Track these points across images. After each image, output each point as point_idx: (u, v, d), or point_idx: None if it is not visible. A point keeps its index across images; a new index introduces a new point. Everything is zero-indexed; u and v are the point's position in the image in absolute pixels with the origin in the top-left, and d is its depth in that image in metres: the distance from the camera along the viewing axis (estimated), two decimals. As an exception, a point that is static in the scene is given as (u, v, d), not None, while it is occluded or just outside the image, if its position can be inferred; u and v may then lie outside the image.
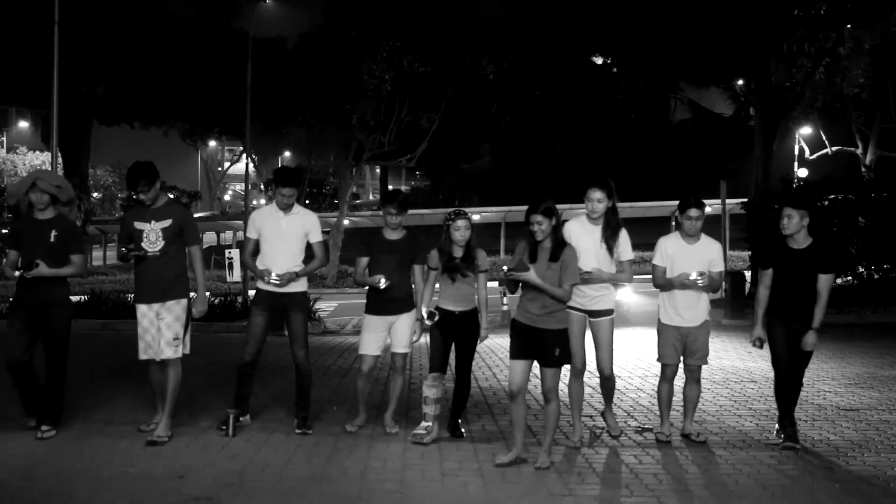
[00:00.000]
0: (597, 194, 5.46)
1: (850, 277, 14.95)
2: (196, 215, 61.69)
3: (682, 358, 5.86)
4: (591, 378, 7.14)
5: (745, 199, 17.82)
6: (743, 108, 37.79)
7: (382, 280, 5.75)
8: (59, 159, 24.80)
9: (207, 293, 14.21)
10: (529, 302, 5.08)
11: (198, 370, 8.82)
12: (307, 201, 42.94)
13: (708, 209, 6.06)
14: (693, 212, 5.65)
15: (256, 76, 22.06)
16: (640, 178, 43.60)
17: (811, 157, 33.97)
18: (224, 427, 5.81)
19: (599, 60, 50.53)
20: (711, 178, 20.70)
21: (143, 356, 5.69)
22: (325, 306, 16.27)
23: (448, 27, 26.77)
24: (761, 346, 5.72)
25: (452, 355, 5.91)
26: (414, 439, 5.63)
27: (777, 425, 5.76)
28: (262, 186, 62.76)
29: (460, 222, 5.70)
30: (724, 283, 6.20)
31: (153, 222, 5.60)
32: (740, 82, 27.45)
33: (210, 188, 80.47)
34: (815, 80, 20.75)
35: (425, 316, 5.89)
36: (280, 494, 4.52)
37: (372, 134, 28.72)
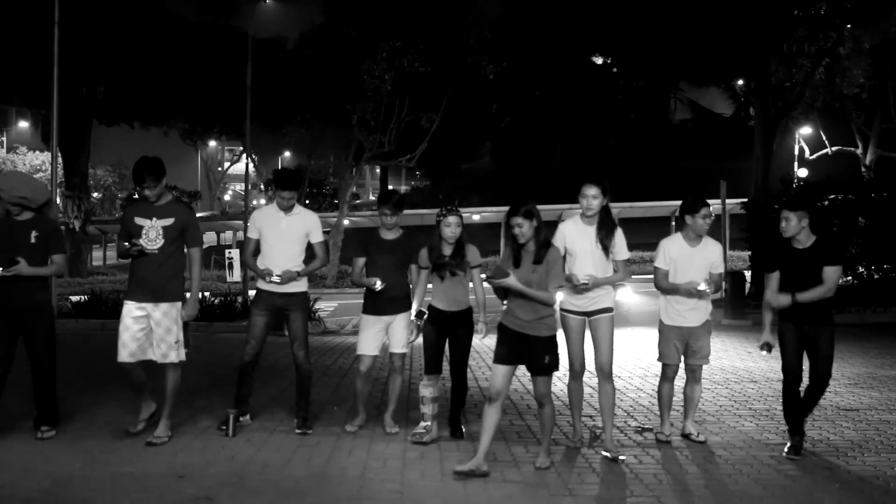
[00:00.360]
0: (591, 190, 5.35)
1: (850, 277, 14.95)
2: (196, 215, 61.81)
3: (682, 357, 5.86)
4: (591, 378, 7.13)
5: (745, 199, 17.81)
6: (743, 108, 37.78)
7: (378, 282, 5.74)
8: (59, 159, 24.80)
9: (208, 293, 14.14)
10: (518, 308, 4.96)
11: (198, 370, 8.82)
12: (307, 201, 42.93)
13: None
14: (705, 210, 5.66)
15: (256, 76, 22.03)
16: (640, 178, 43.59)
17: (811, 157, 33.97)
18: (224, 427, 5.81)
19: (599, 60, 50.52)
20: (711, 178, 20.69)
21: (119, 357, 5.49)
22: (325, 306, 16.27)
23: (448, 27, 26.76)
24: (769, 352, 5.55)
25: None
26: (414, 439, 5.62)
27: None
28: (262, 186, 62.76)
29: (451, 218, 5.65)
30: (724, 283, 6.14)
31: (154, 219, 5.48)
32: (740, 82, 27.43)
33: (210, 188, 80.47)
34: (815, 80, 20.74)
35: (413, 315, 5.86)
36: (280, 494, 4.52)
37: (372, 134, 28.72)
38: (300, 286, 5.93)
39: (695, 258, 5.66)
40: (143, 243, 5.44)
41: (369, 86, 26.10)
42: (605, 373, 5.46)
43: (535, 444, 5.66)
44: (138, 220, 5.50)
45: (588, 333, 5.55)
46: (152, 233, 5.47)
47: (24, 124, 52.48)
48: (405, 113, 28.34)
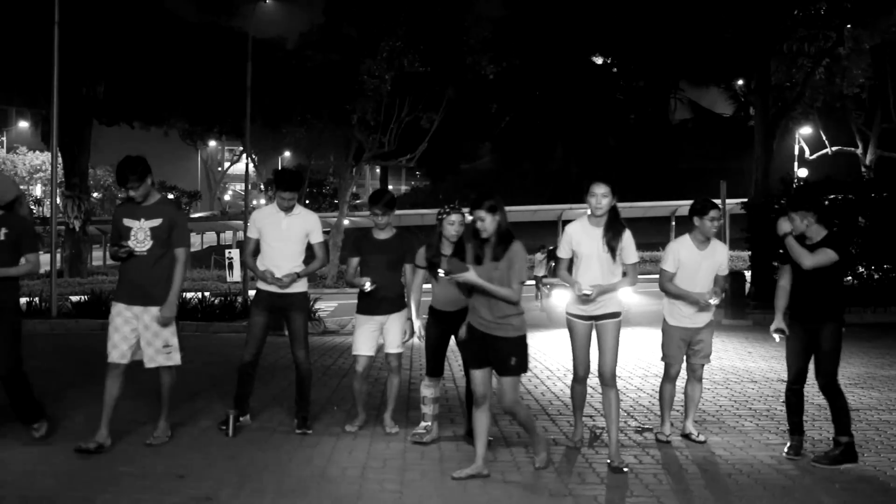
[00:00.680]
0: (601, 189, 5.16)
1: (850, 277, 14.96)
2: (196, 215, 61.77)
3: (685, 357, 5.85)
4: (593, 378, 7.10)
5: (745, 199, 17.83)
6: (743, 108, 37.78)
7: (367, 284, 5.70)
8: (59, 159, 24.80)
9: (208, 293, 14.13)
10: (480, 306, 4.79)
11: (198, 370, 8.83)
12: (307, 201, 42.95)
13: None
14: (714, 213, 5.65)
15: (256, 76, 22.04)
16: (640, 178, 43.58)
17: (811, 157, 33.97)
18: (224, 427, 5.81)
19: (599, 60, 50.55)
20: (711, 178, 20.70)
21: (109, 357, 5.35)
22: (325, 306, 16.28)
23: (448, 27, 26.77)
24: (784, 334, 5.50)
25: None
26: (413, 439, 5.61)
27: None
28: (262, 186, 62.78)
29: (454, 217, 5.55)
30: (726, 284, 6.09)
31: (142, 220, 5.34)
32: (740, 82, 27.44)
33: (210, 188, 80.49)
34: (815, 80, 20.76)
35: (363, 283, 5.69)
36: (280, 494, 4.52)
37: (372, 134, 28.72)
38: (300, 286, 5.93)
39: (703, 261, 5.66)
40: (131, 245, 5.31)
41: (369, 86, 26.10)
42: (608, 379, 5.28)
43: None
44: (126, 222, 5.38)
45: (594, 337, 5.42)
46: (140, 234, 5.33)
47: (24, 124, 52.50)
48: (405, 113, 28.34)
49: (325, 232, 7.53)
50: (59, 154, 24.39)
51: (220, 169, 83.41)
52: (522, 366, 4.85)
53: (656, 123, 50.98)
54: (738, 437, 5.93)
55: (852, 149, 31.55)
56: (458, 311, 5.54)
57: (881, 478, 4.97)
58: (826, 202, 14.95)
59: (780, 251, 5.59)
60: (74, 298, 14.68)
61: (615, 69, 49.93)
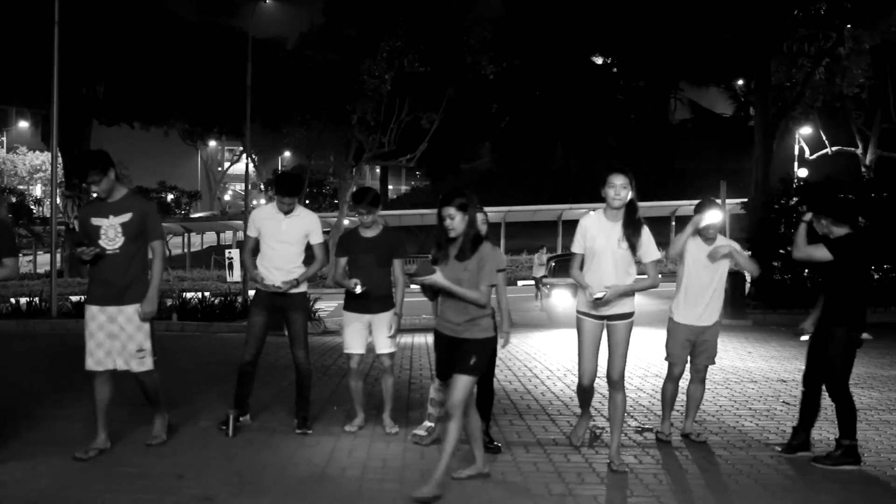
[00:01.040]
0: (619, 180, 4.90)
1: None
2: (196, 215, 61.83)
3: (688, 358, 5.82)
4: (600, 381, 7.10)
5: (745, 199, 17.84)
6: (743, 108, 37.86)
7: (358, 287, 5.64)
8: (59, 159, 24.81)
9: (208, 293, 14.08)
10: (449, 310, 4.59)
11: (198, 370, 8.83)
12: (307, 201, 42.97)
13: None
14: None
15: (256, 76, 22.02)
16: (640, 178, 43.56)
17: (811, 157, 34.00)
18: (224, 427, 5.81)
19: (599, 60, 50.59)
20: (711, 178, 20.71)
21: (86, 365, 5.14)
22: (325, 306, 16.28)
23: (448, 27, 26.78)
24: (805, 334, 5.45)
25: None
26: (414, 439, 5.56)
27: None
28: (262, 186, 62.79)
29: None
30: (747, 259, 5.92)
31: (111, 217, 5.06)
32: (740, 82, 27.49)
33: (210, 188, 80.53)
34: (815, 80, 20.78)
35: (354, 285, 5.60)
36: (280, 494, 4.52)
37: (372, 134, 28.75)
38: (300, 286, 5.92)
39: (707, 255, 5.62)
40: (102, 244, 5.05)
41: (369, 86, 26.12)
42: (616, 382, 5.09)
43: (536, 445, 5.66)
44: (95, 221, 5.10)
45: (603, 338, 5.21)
46: (111, 232, 5.07)
47: (24, 124, 52.53)
48: (405, 113, 28.36)
49: (325, 232, 7.52)
50: (59, 154, 24.39)
51: (220, 169, 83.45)
52: (480, 367, 4.58)
53: (656, 123, 51.04)
54: (738, 437, 5.93)
55: (852, 149, 31.57)
56: None
57: (881, 478, 4.97)
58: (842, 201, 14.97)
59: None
60: (74, 298, 14.68)
61: (615, 69, 49.98)
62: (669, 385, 5.83)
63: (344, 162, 31.72)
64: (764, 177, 19.23)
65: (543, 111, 46.21)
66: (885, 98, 29.01)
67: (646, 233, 4.99)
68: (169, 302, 14.31)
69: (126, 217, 5.08)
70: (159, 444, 5.39)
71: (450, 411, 4.49)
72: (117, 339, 5.12)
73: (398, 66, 26.28)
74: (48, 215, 29.56)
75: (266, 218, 5.86)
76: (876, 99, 29.05)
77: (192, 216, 58.70)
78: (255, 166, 46.22)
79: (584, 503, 4.47)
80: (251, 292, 6.00)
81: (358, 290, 5.63)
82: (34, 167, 48.32)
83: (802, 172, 32.99)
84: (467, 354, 4.51)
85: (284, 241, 5.81)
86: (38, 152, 48.24)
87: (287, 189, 5.80)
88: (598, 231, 5.01)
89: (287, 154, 60.15)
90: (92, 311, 5.14)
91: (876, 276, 14.91)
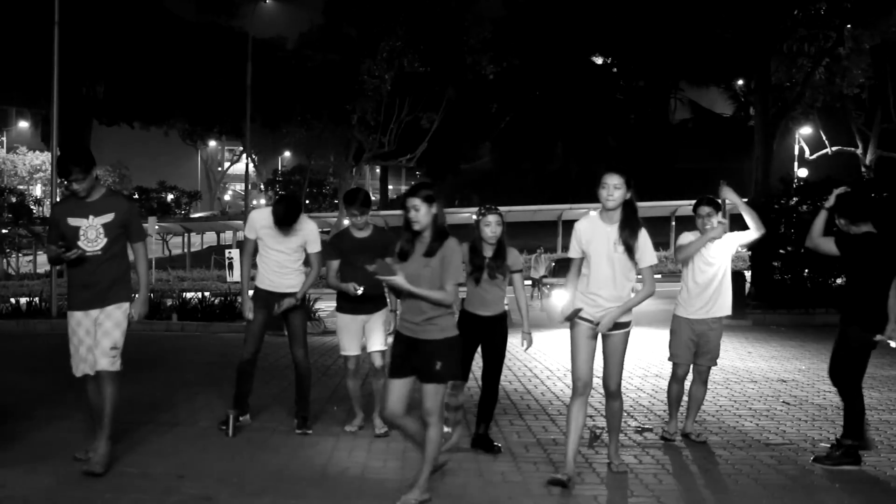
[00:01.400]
0: (613, 179, 4.65)
1: (850, 277, 14.95)
2: (196, 215, 61.82)
3: (692, 357, 5.81)
4: (600, 381, 7.09)
5: (745, 200, 17.82)
6: (743, 108, 37.85)
7: (360, 289, 5.57)
8: (59, 159, 24.80)
9: (208, 293, 14.02)
10: (407, 309, 4.35)
11: (198, 370, 8.84)
12: (307, 201, 43.03)
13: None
14: (701, 209, 5.66)
15: (256, 76, 22.04)
16: (640, 178, 43.53)
17: (811, 157, 34.01)
18: (224, 427, 5.81)
19: (599, 60, 50.60)
20: (711, 178, 20.66)
21: (78, 371, 4.97)
22: (324, 306, 16.27)
23: (448, 27, 26.80)
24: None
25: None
26: None
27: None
28: (261, 186, 62.78)
29: (491, 217, 5.32)
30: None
31: (91, 217, 4.84)
32: (740, 82, 27.49)
33: (210, 188, 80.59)
34: (815, 80, 20.78)
35: (354, 289, 5.43)
36: (280, 494, 4.52)
37: (372, 134, 28.77)
38: (299, 287, 5.91)
39: (710, 253, 5.62)
40: (82, 246, 4.81)
41: (369, 86, 26.14)
42: (613, 392, 4.92)
43: (536, 445, 5.65)
44: (73, 221, 4.85)
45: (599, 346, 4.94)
46: (91, 232, 4.84)
47: (24, 124, 52.56)
48: (405, 113, 28.38)
49: (325, 232, 7.57)
50: (59, 154, 24.37)
51: (220, 169, 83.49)
52: (450, 372, 4.35)
53: (656, 123, 51.07)
54: (738, 437, 5.93)
55: (852, 149, 31.58)
56: (493, 317, 5.41)
57: (881, 478, 4.97)
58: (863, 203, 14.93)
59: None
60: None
61: (615, 69, 50.00)
62: (674, 385, 5.83)
63: (344, 162, 31.74)
64: (764, 177, 19.23)
65: (543, 111, 46.22)
66: (885, 98, 29.01)
67: (643, 236, 4.71)
68: (169, 302, 14.30)
69: (108, 217, 4.87)
70: (97, 473, 4.70)
71: (425, 419, 4.30)
72: (96, 335, 4.91)
73: (398, 66, 26.30)
74: (48, 215, 29.58)
75: (265, 223, 5.78)
76: (876, 99, 29.06)
77: (192, 216, 58.70)
78: (255, 166, 46.26)
79: (584, 503, 4.47)
80: (250, 292, 5.96)
81: (359, 291, 5.59)
82: (34, 167, 48.32)
83: (802, 172, 33.02)
84: (430, 361, 4.26)
85: (282, 250, 5.79)
86: (38, 152, 48.23)
87: (286, 220, 5.67)
88: (593, 234, 4.78)
89: (287, 154, 60.20)
90: (77, 317, 4.96)
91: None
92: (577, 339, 4.80)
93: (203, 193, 74.18)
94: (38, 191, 49.91)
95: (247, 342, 5.94)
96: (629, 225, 4.69)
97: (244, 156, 30.24)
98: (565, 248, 27.11)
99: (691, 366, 5.83)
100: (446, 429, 5.33)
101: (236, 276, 26.54)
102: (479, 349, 5.49)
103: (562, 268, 14.65)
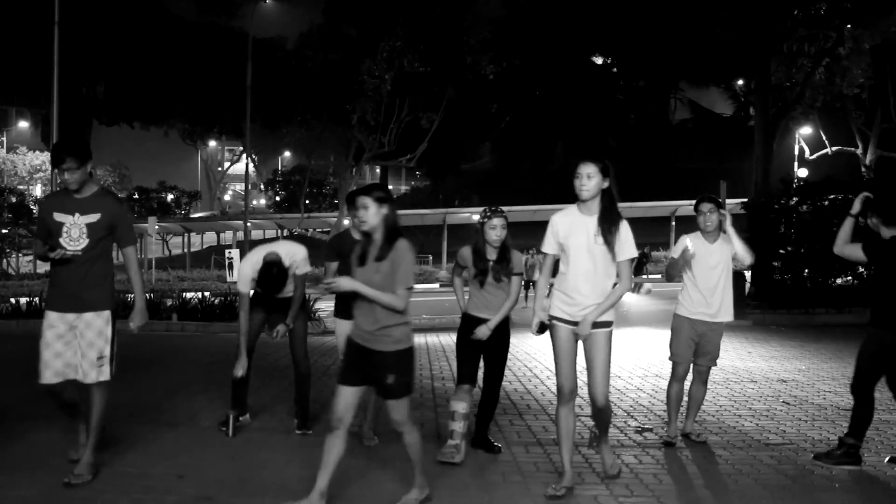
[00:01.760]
0: (586, 168, 4.41)
1: (850, 277, 14.96)
2: (196, 215, 61.83)
3: (692, 358, 5.79)
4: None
5: (745, 199, 17.84)
6: (743, 108, 37.87)
7: None
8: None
9: (208, 293, 13.99)
10: (359, 316, 4.15)
11: (198, 370, 8.83)
12: (307, 201, 43.01)
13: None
14: (702, 207, 5.61)
15: (256, 76, 22.07)
16: (640, 178, 43.59)
17: (811, 157, 34.01)
18: (224, 427, 5.81)
19: (599, 60, 50.63)
20: (711, 178, 20.67)
21: (43, 378, 4.62)
22: (324, 306, 16.28)
23: (448, 27, 26.81)
24: None
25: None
26: (443, 458, 5.09)
27: None
28: (261, 186, 62.77)
29: (496, 220, 5.21)
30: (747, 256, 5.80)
31: (77, 215, 4.60)
32: (740, 82, 27.48)
33: (210, 188, 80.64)
34: (815, 80, 20.77)
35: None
36: (280, 494, 4.51)
37: (372, 134, 28.77)
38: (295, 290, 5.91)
39: (712, 254, 5.58)
40: (63, 244, 4.59)
41: (369, 86, 26.14)
42: (600, 401, 4.57)
43: (536, 445, 5.65)
44: (58, 216, 4.62)
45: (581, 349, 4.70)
46: (74, 231, 4.60)
47: (24, 124, 52.55)
48: (405, 113, 28.38)
49: (325, 232, 7.54)
50: (55, 142, 24.38)
51: (220, 169, 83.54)
52: (404, 386, 4.14)
53: (656, 123, 51.10)
54: (738, 437, 5.93)
55: (852, 149, 31.58)
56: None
57: (881, 478, 4.97)
58: (826, 202, 14.96)
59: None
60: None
61: (615, 69, 50.01)
62: (674, 385, 5.79)
63: (344, 162, 31.74)
64: (764, 177, 19.22)
65: (543, 111, 46.25)
66: (885, 98, 29.00)
67: (624, 228, 4.44)
68: (169, 302, 14.31)
69: (94, 217, 4.62)
70: (80, 483, 4.58)
71: (398, 429, 4.19)
72: (76, 347, 4.67)
73: (398, 66, 26.30)
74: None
75: (256, 274, 5.71)
76: (876, 99, 29.05)
77: (192, 216, 58.71)
78: (255, 166, 46.24)
79: (584, 503, 4.47)
80: (251, 292, 5.93)
81: None
82: (34, 167, 48.32)
83: (802, 172, 33.02)
84: (382, 374, 4.07)
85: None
86: (38, 152, 48.24)
87: (271, 288, 5.66)
88: (570, 227, 4.50)
89: (287, 154, 60.15)
90: (51, 318, 4.67)
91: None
92: (557, 343, 4.55)
93: (203, 193, 74.23)
94: (38, 191, 49.90)
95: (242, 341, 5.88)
96: (609, 215, 4.44)
97: (244, 156, 30.25)
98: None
99: (691, 366, 5.81)
100: (453, 441, 5.17)
101: (236, 276, 26.57)
102: (482, 352, 5.41)
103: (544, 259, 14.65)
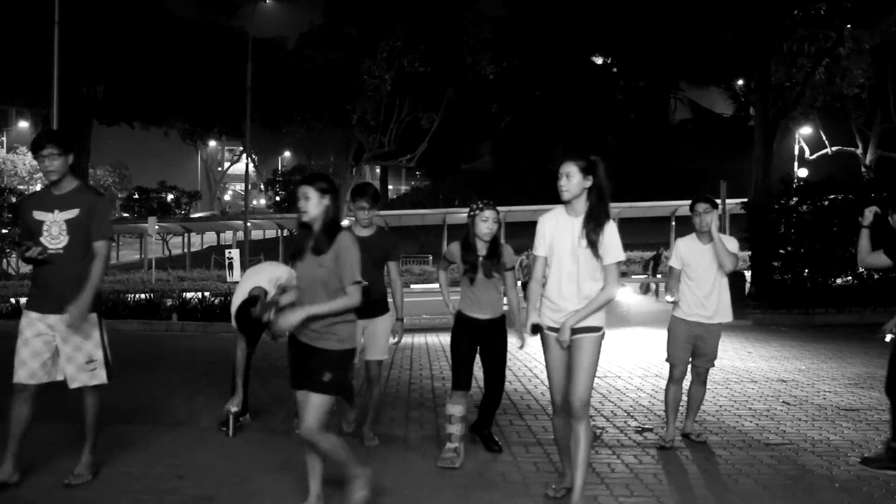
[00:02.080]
0: (565, 168, 4.23)
1: (850, 277, 14.96)
2: (196, 215, 61.86)
3: (689, 359, 5.78)
4: (600, 381, 7.05)
5: (745, 199, 17.84)
6: (743, 108, 37.87)
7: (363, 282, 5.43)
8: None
9: (208, 293, 13.99)
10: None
11: (198, 370, 8.83)
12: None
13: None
14: (698, 207, 5.57)
15: (256, 76, 22.07)
16: (640, 178, 43.61)
17: (811, 157, 34.03)
18: (224, 427, 5.81)
19: (599, 60, 50.64)
20: (711, 178, 20.67)
21: (16, 376, 4.47)
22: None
23: (448, 27, 26.81)
24: (886, 337, 5.17)
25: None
26: (443, 464, 5.03)
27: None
28: (261, 186, 62.77)
29: (488, 213, 5.08)
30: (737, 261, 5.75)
31: (56, 212, 4.44)
32: (740, 82, 27.47)
33: (210, 188, 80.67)
34: (815, 80, 20.77)
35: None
36: (280, 494, 4.52)
37: (372, 134, 28.77)
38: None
39: (706, 255, 5.57)
40: (43, 242, 4.43)
41: (369, 86, 26.14)
42: (577, 409, 4.17)
43: (536, 445, 5.65)
44: (38, 215, 4.47)
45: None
46: (55, 229, 4.44)
47: (24, 124, 52.55)
48: (405, 113, 28.38)
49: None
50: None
51: (220, 169, 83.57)
52: (337, 385, 3.94)
53: (656, 123, 51.11)
54: (738, 437, 5.93)
55: (852, 149, 31.60)
56: (493, 319, 5.21)
57: (881, 477, 4.97)
58: (826, 202, 14.96)
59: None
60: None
61: (615, 69, 50.03)
62: (672, 387, 5.76)
63: (344, 162, 31.73)
64: (764, 177, 19.22)
65: (543, 111, 46.24)
66: (885, 98, 29.02)
67: (610, 229, 4.18)
68: (169, 302, 14.30)
69: (73, 213, 4.44)
70: (80, 483, 4.58)
71: (305, 437, 3.91)
72: (62, 351, 4.53)
73: (398, 66, 26.30)
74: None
75: None
76: (876, 99, 29.07)
77: (192, 216, 58.73)
78: (255, 166, 46.23)
79: (584, 503, 4.47)
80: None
81: (362, 284, 5.41)
82: (34, 167, 48.23)
83: (802, 172, 33.06)
84: (320, 368, 3.88)
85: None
86: (38, 152, 48.22)
87: (372, 195, 5.46)
88: (555, 227, 4.30)
89: (287, 154, 60.17)
90: (30, 317, 4.55)
91: (876, 276, 14.90)
92: (547, 354, 4.36)
93: (203, 193, 74.24)
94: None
95: (240, 339, 5.81)
96: (594, 216, 4.19)
97: (244, 156, 30.25)
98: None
99: (689, 368, 5.80)
100: (452, 444, 5.12)
101: (236, 276, 26.56)
102: (479, 354, 5.32)
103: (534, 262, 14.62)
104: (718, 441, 5.80)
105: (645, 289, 23.20)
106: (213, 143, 65.74)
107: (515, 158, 51.39)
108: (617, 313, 14.85)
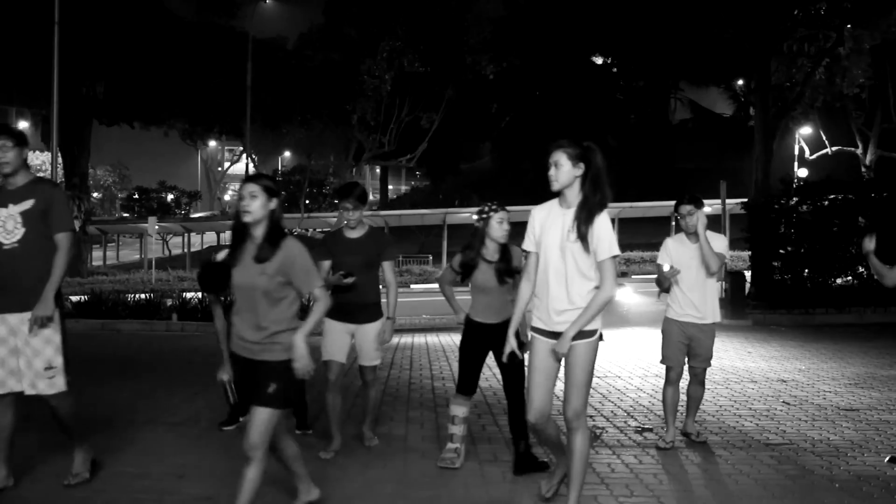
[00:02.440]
0: (554, 157, 3.93)
1: (850, 277, 14.96)
2: (196, 215, 61.84)
3: (685, 360, 5.78)
4: (600, 381, 7.05)
5: (745, 199, 17.85)
6: (743, 108, 37.90)
7: (349, 278, 5.10)
8: (59, 159, 24.83)
9: (200, 294, 14.01)
10: (241, 324, 3.71)
11: (198, 370, 8.83)
12: (307, 201, 42.98)
13: (707, 209, 5.95)
14: (682, 209, 5.52)
15: (256, 76, 22.07)
16: (640, 178, 43.61)
17: (811, 157, 34.03)
18: (224, 427, 5.81)
19: (599, 60, 50.63)
20: (711, 178, 20.68)
21: None
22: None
23: (448, 27, 26.83)
24: None
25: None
26: (443, 464, 5.01)
27: None
28: (262, 186, 62.34)
29: (503, 213, 4.90)
30: (723, 281, 5.85)
31: (10, 206, 4.30)
32: (740, 82, 27.51)
33: (210, 188, 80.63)
34: (815, 80, 20.79)
35: (340, 278, 4.81)
36: (280, 494, 4.52)
37: (372, 134, 28.80)
38: None
39: (694, 255, 5.56)
40: (1, 239, 4.29)
41: (369, 86, 26.17)
42: (572, 420, 3.94)
43: (536, 445, 5.65)
44: None
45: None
46: (10, 223, 4.29)
47: (24, 124, 52.47)
48: (405, 113, 28.40)
49: (324, 232, 7.52)
50: (59, 154, 24.42)
51: (220, 169, 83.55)
52: (283, 397, 3.69)
53: (656, 123, 51.10)
54: (738, 437, 5.92)
55: (852, 149, 31.61)
56: (499, 324, 4.89)
57: (881, 477, 4.97)
58: (826, 202, 14.96)
59: None
60: (74, 298, 14.67)
61: (615, 69, 50.02)
62: (669, 389, 5.75)
63: (344, 162, 31.80)
64: (764, 177, 19.22)
65: (543, 111, 46.23)
66: (885, 98, 29.04)
67: (601, 222, 3.85)
68: (169, 302, 14.30)
69: (27, 204, 4.30)
70: (80, 482, 4.58)
71: (247, 453, 3.67)
72: (21, 355, 4.32)
73: (398, 66, 26.32)
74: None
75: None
76: (876, 99, 29.09)
77: (192, 216, 58.72)
78: (255, 166, 46.20)
79: (583, 503, 4.47)
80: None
81: (349, 280, 5.14)
82: (34, 167, 48.28)
83: (802, 172, 33.07)
84: (265, 381, 3.64)
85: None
86: (38, 152, 48.26)
87: (357, 196, 5.22)
88: (546, 221, 4.01)
89: (287, 154, 60.15)
90: None
91: (876, 277, 14.93)
92: (532, 356, 4.05)
93: (203, 193, 74.22)
94: (37, 191, 49.90)
95: (215, 307, 5.68)
96: (585, 208, 3.88)
97: (244, 156, 30.26)
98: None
99: (685, 369, 5.80)
100: (454, 444, 5.08)
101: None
102: (494, 360, 5.05)
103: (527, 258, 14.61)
104: (718, 441, 5.80)
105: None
106: (212, 143, 65.73)
107: (515, 158, 51.35)
108: (617, 313, 14.87)
